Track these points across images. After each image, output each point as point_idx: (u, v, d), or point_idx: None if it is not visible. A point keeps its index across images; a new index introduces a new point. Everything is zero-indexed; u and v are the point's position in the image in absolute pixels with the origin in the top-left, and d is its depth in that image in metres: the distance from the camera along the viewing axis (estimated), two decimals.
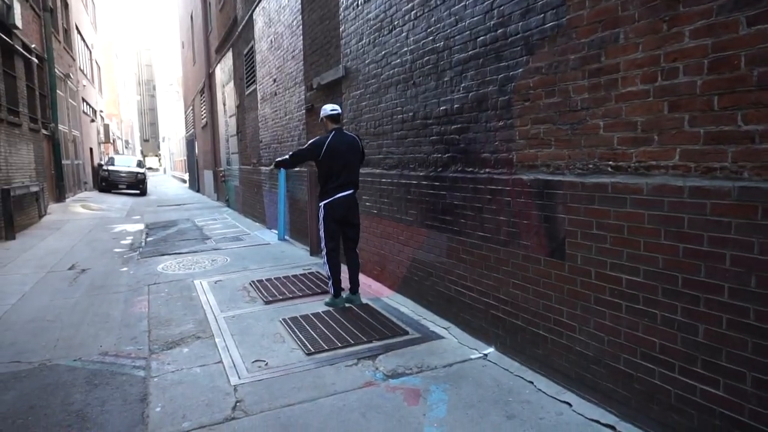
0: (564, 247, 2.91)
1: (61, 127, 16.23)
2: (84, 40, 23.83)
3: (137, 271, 6.73)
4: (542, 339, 3.13)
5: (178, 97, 34.67)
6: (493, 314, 3.59)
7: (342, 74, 5.86)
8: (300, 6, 7.26)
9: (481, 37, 3.51)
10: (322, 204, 4.71)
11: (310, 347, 3.75)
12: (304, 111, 7.48)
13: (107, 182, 21.31)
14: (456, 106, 3.85)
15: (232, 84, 13.31)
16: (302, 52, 7.38)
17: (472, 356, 3.58)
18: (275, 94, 9.02)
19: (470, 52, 3.65)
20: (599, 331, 2.72)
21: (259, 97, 10.27)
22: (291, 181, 8.35)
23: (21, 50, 12.01)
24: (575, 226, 2.83)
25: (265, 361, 3.60)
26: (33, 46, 13.24)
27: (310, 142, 4.77)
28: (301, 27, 7.31)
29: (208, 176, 20.03)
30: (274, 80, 9.00)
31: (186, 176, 30.55)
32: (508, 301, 3.42)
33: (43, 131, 14.16)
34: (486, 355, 3.57)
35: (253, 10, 10.16)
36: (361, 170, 5.53)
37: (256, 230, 10.04)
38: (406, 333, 4.00)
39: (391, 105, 4.85)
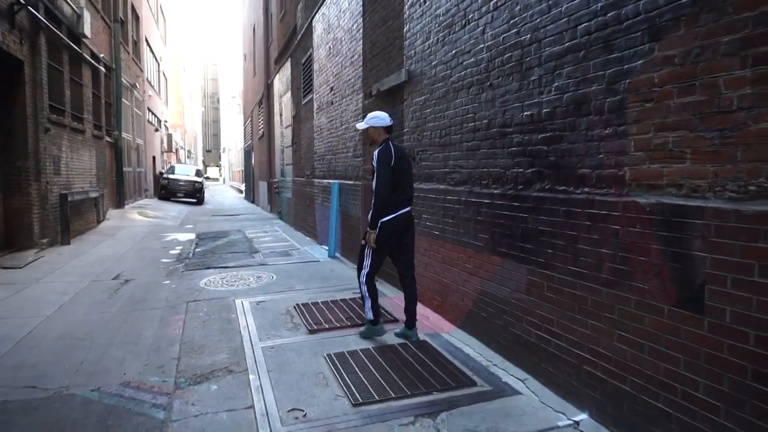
0: (702, 296, 2.16)
1: (124, 135, 16.58)
2: (153, 53, 24.65)
3: (179, 286, 6.35)
4: (662, 415, 2.35)
5: (239, 110, 35.49)
6: (588, 371, 2.83)
7: (404, 78, 5.29)
8: (361, 8, 6.78)
9: (584, 24, 2.82)
10: (380, 222, 4.10)
11: (357, 396, 3.11)
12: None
13: (166, 190, 21.72)
14: (545, 110, 3.16)
15: (289, 94, 13.09)
16: (361, 57, 6.88)
17: (560, 423, 2.83)
18: (331, 103, 8.58)
19: (567, 44, 2.96)
20: (762, 418, 1.93)
21: (315, 106, 9.89)
22: (344, 195, 7.83)
23: (89, 59, 12.25)
24: (722, 269, 2.07)
25: (303, 411, 2.99)
26: (102, 55, 13.53)
27: (378, 159, 4.02)
28: (361, 30, 6.83)
29: (262, 187, 20.01)
30: (331, 88, 8.57)
31: (243, 186, 30.98)
32: (611, 357, 2.66)
33: (107, 138, 14.43)
34: (577, 423, 2.81)
35: (313, 17, 9.83)
36: (423, 185, 4.90)
37: (306, 245, 9.58)
38: (474, 384, 3.30)
39: (461, 111, 4.21)
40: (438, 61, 4.61)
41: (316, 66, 9.77)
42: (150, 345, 4.23)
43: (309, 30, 10.26)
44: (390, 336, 4.23)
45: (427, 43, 4.84)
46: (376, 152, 4.06)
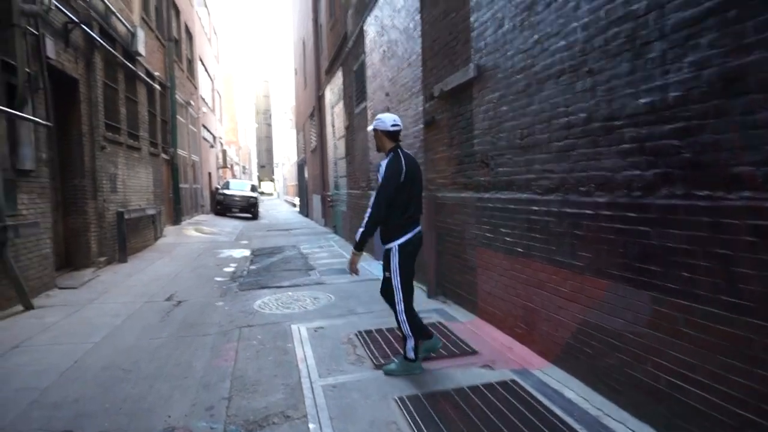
0: None
1: (180, 152, 16.76)
2: (207, 71, 25.17)
3: (232, 307, 5.95)
4: None
5: (291, 124, 35.85)
6: None
7: (473, 75, 4.69)
8: (419, 3, 6.24)
9: None
10: (396, 244, 3.56)
11: None
12: (421, 126, 6.40)
13: (222, 206, 21.92)
14: (674, 95, 2.48)
15: (341, 104, 12.74)
16: (420, 57, 6.34)
17: None
18: (388, 110, 8.07)
19: (707, 4, 2.28)
20: None
21: (369, 114, 9.43)
22: None
23: (144, 77, 12.35)
24: None
25: None
26: (156, 73, 13.67)
27: (385, 172, 3.55)
28: (419, 27, 6.29)
29: (316, 201, 19.80)
30: (387, 94, 8.07)
31: (296, 200, 31.09)
32: None
33: (163, 155, 14.55)
34: None
35: (364, 21, 9.41)
36: (499, 195, 4.27)
37: (363, 261, 9.07)
38: None
39: (549, 106, 3.56)
40: (515, 50, 3.98)
41: (369, 72, 9.32)
42: (199, 379, 3.79)
43: (360, 36, 9.85)
44: (466, 373, 3.61)
45: (500, 31, 4.23)
46: (383, 163, 3.61)
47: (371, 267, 8.36)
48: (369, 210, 3.55)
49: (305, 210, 24.38)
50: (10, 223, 5.79)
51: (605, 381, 3.06)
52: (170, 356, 4.32)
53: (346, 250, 10.74)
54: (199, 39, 22.34)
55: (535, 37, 3.68)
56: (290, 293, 6.58)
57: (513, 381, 3.39)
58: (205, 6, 26.03)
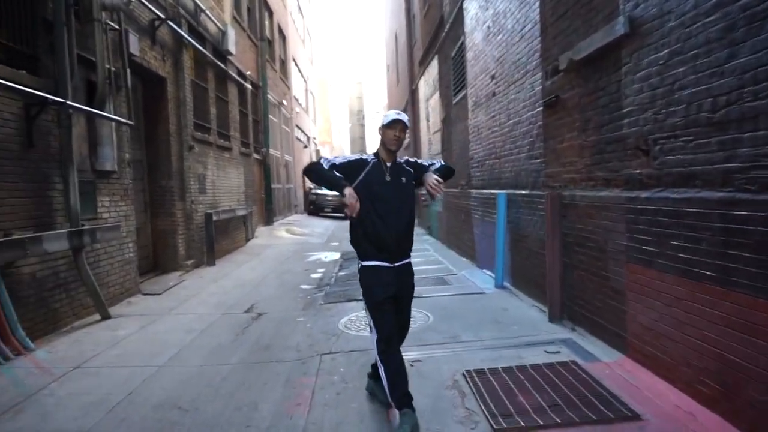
0: None
1: (273, 152, 16.61)
2: (300, 71, 25.23)
3: (314, 325, 5.16)
4: None
5: None
6: None
7: (623, 31, 3.46)
8: None
9: None
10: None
11: None
12: (540, 108, 5.21)
13: (314, 206, 21.80)
14: None
15: (436, 96, 11.71)
16: (538, 24, 5.15)
17: None
18: (493, 95, 6.93)
19: None
20: None
21: (469, 103, 8.32)
22: (514, 208, 6.10)
23: (235, 76, 12.12)
24: None
25: None
26: (248, 73, 13.47)
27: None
28: None
29: None
30: (492, 77, 6.92)
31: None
32: None
33: (255, 155, 14.38)
34: None
35: (463, 0, 8.32)
36: (666, 194, 3.03)
37: (464, 269, 7.98)
38: None
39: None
40: None
41: (469, 55, 8.21)
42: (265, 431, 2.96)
43: (459, 16, 8.76)
44: None
45: None
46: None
47: (474, 276, 7.25)
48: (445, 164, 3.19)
49: None
50: (86, 227, 5.41)
51: None
52: (235, 393, 3.55)
53: (443, 255, 9.69)
54: (292, 40, 22.34)
55: None
56: None
57: None
58: (299, 10, 26.15)
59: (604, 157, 3.89)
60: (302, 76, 25.94)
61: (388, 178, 2.91)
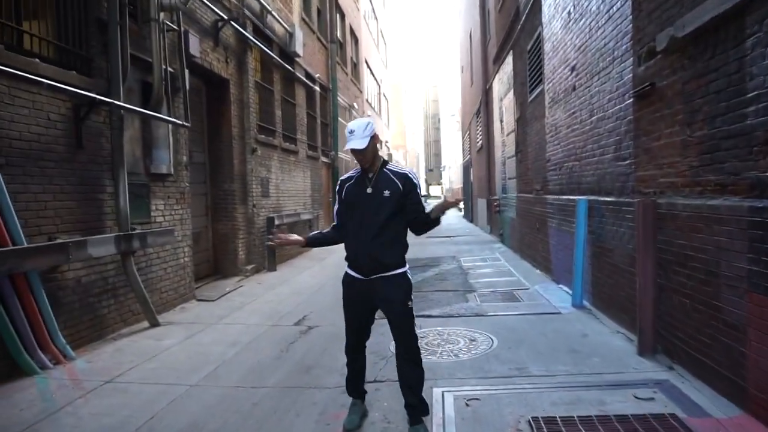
0: None
1: (341, 155, 16.42)
2: (373, 74, 25.03)
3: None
4: None
5: (458, 127, 34.68)
6: None
7: None
8: None
9: None
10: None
11: None
12: (630, 100, 4.41)
13: None
14: None
15: (511, 94, 10.92)
16: (629, 2, 4.37)
17: None
18: (573, 89, 6.14)
19: None
20: None
21: (546, 100, 7.53)
22: (596, 217, 5.29)
23: (303, 78, 11.98)
24: None
25: None
26: (317, 75, 13.32)
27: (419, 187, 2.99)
28: None
29: (481, 205, 18.11)
30: (572, 68, 6.13)
31: (461, 204, 29.65)
32: None
33: (323, 159, 14.21)
34: None
35: None
36: None
37: (537, 283, 7.18)
38: None
39: None
40: None
41: (547, 46, 7.42)
42: None
43: (536, 4, 7.98)
44: None
45: None
46: (409, 174, 2.97)
47: (548, 292, 6.46)
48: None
49: (469, 215, 22.88)
50: (136, 231, 5.26)
51: None
52: (264, 423, 3.14)
53: (514, 266, 8.90)
54: (365, 43, 22.17)
55: None
56: (440, 327, 5.07)
57: None
58: (373, 13, 26.00)
59: (717, 156, 3.09)
60: (375, 79, 25.73)
61: (369, 190, 2.87)
